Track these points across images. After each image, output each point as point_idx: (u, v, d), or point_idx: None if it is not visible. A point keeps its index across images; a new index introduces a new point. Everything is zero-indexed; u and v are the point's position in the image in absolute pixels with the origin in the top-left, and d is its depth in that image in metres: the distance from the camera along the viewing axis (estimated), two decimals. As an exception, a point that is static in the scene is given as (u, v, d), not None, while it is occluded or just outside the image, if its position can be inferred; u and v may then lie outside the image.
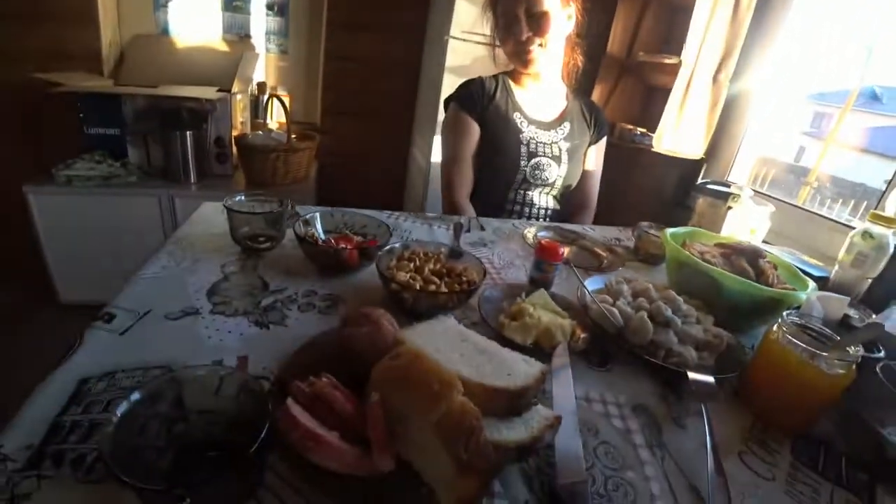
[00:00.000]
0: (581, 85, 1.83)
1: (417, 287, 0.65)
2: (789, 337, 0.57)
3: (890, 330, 0.70)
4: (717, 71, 1.58)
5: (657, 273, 0.98)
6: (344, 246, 0.75)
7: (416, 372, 0.40)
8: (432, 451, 0.36)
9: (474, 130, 1.21)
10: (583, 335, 0.65)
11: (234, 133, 2.00)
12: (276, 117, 2.38)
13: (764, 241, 1.22)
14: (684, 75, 1.55)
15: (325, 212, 0.85)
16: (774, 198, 1.42)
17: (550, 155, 1.23)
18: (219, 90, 1.91)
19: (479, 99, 1.21)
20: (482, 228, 1.05)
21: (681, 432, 0.55)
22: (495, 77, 1.26)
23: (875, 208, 0.97)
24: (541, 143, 1.22)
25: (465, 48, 1.92)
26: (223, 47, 2.25)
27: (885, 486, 0.54)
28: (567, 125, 1.26)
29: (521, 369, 0.47)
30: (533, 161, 1.21)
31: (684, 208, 1.25)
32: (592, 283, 0.78)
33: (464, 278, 0.69)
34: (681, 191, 1.56)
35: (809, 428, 0.60)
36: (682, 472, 0.50)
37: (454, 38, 1.92)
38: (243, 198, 0.79)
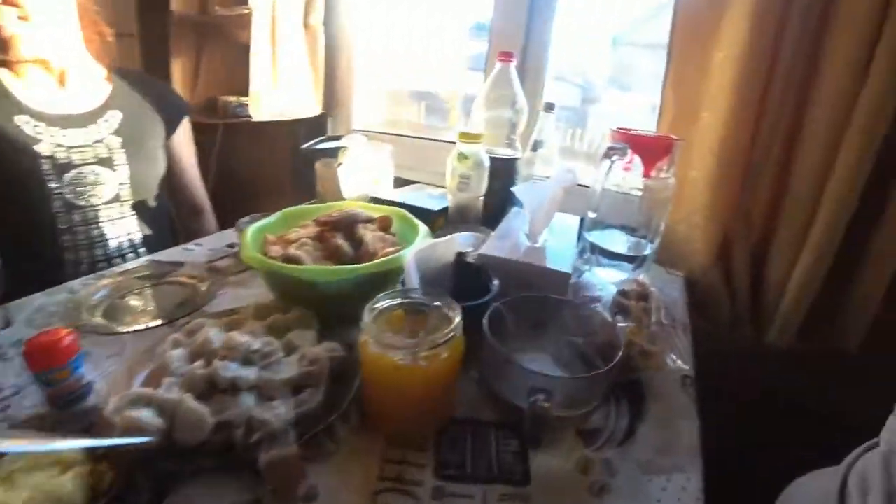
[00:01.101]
0: (140, 62, 1.42)
1: None
2: (374, 343, 0.42)
3: (495, 251, 0.64)
4: (306, 15, 1.41)
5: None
6: None
7: None
8: None
9: None
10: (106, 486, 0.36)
11: None
12: None
13: (405, 181, 1.16)
14: (263, 26, 1.32)
15: None
16: (399, 134, 1.38)
17: (94, 160, 0.86)
18: None
19: None
20: (7, 324, 0.61)
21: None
22: None
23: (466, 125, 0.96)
24: (74, 147, 0.84)
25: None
26: None
27: (533, 448, 0.45)
28: (116, 114, 0.91)
29: None
30: (68, 176, 0.83)
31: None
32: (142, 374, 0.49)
33: None
34: (308, 157, 1.39)
35: (447, 423, 0.48)
36: None
37: None
38: None
